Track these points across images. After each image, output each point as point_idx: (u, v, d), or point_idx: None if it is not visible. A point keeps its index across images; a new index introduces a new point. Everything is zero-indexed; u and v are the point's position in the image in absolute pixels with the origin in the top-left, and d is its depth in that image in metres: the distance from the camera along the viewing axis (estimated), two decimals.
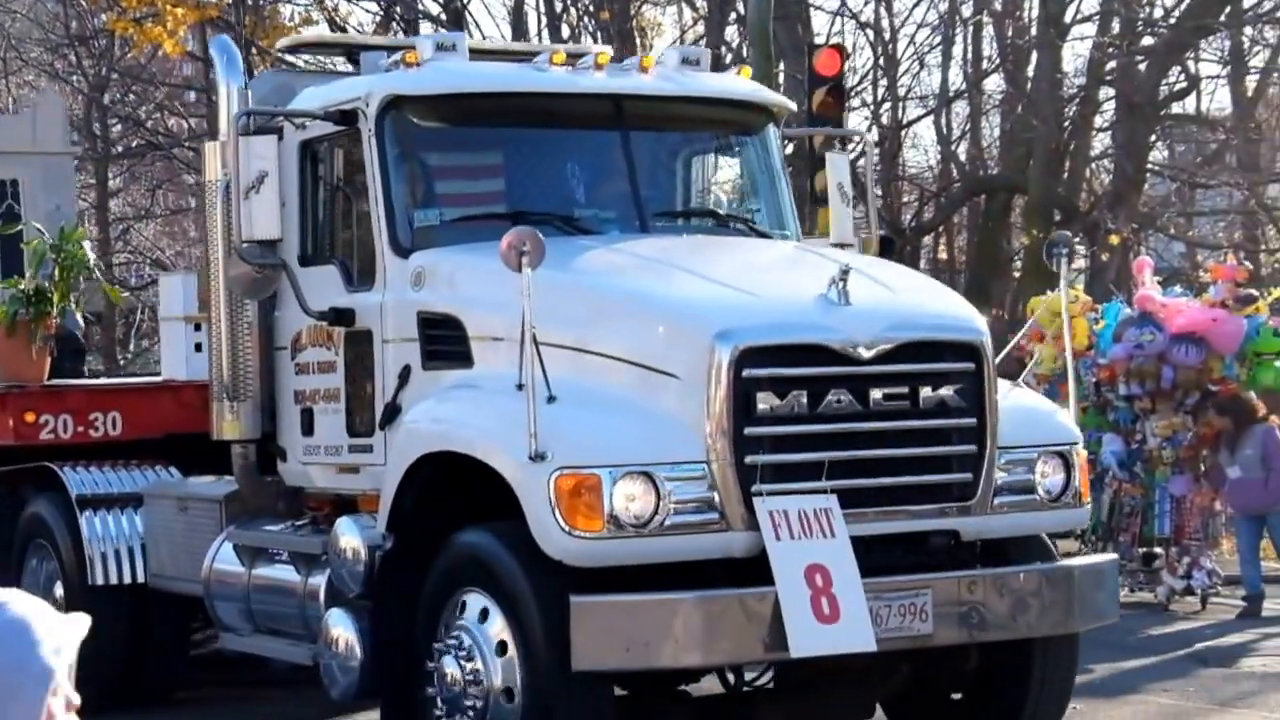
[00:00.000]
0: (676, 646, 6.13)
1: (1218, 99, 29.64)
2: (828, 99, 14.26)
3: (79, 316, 11.56)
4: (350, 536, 7.04)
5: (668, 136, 8.24)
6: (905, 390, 6.53)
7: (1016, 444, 6.76)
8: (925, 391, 6.53)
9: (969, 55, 27.50)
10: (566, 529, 6.05)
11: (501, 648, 6.27)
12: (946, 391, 6.55)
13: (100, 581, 9.35)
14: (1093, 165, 26.44)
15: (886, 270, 7.33)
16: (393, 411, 7.26)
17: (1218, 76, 27.59)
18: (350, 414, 7.69)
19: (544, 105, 8.01)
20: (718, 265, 7.27)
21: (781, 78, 19.22)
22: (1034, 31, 24.26)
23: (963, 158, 28.09)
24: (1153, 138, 25.81)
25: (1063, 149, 23.36)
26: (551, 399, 6.08)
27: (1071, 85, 25.68)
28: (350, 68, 8.64)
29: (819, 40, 20.93)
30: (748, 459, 6.12)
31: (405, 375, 7.23)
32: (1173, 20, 23.95)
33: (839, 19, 26.12)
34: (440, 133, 7.76)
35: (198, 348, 10.08)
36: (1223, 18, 23.41)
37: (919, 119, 28.69)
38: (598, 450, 6.19)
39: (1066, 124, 23.88)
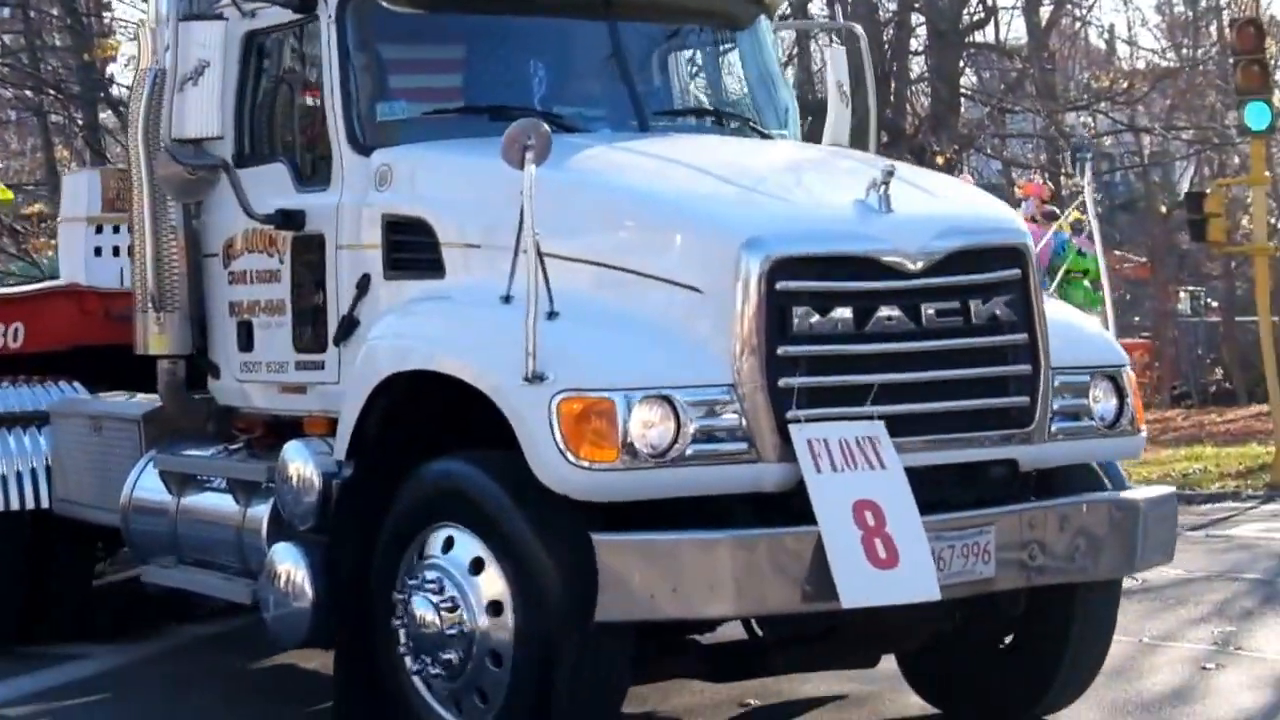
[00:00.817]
0: (710, 594, 5.27)
1: (1016, 29, 30.62)
2: None
3: None
4: (301, 463, 6.16)
5: (656, 29, 7.24)
6: (956, 305, 5.68)
7: (1065, 365, 5.98)
8: (976, 305, 5.70)
9: None
10: (573, 459, 5.14)
11: (493, 603, 5.36)
12: (997, 305, 5.74)
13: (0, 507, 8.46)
14: (912, 89, 25.94)
15: (921, 173, 6.69)
16: (349, 325, 6.32)
17: (1014, 7, 28.51)
18: (297, 328, 6.71)
19: None
20: (741, 167, 6.35)
21: None
22: None
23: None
24: (961, 64, 25.66)
25: (885, 72, 22.71)
26: (553, 314, 5.25)
27: (887, 10, 25.24)
28: None
29: None
30: (781, 382, 5.32)
31: (364, 285, 6.29)
32: None
33: None
34: (408, 20, 6.63)
35: (97, 251, 9.05)
36: None
37: None
38: (608, 371, 5.28)
39: (886, 48, 23.46)
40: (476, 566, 5.57)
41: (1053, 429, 5.95)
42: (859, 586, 5.17)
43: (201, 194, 6.82)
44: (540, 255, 5.20)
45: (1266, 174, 19.00)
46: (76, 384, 8.73)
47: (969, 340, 5.73)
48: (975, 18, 25.44)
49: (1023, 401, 5.83)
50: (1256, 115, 16.52)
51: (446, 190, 6.29)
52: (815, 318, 5.41)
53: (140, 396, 8.24)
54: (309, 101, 6.83)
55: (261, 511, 6.69)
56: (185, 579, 7.29)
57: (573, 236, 5.57)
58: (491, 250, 5.85)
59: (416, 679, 5.76)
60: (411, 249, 6.26)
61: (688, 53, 7.69)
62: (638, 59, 7.20)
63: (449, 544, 5.70)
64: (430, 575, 5.68)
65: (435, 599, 5.62)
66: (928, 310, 5.61)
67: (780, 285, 5.38)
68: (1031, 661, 6.60)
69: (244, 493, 6.94)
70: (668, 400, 5.25)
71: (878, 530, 5.20)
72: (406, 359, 5.92)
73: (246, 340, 7.11)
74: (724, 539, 5.26)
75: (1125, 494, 6.27)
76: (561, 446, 5.16)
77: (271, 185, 6.80)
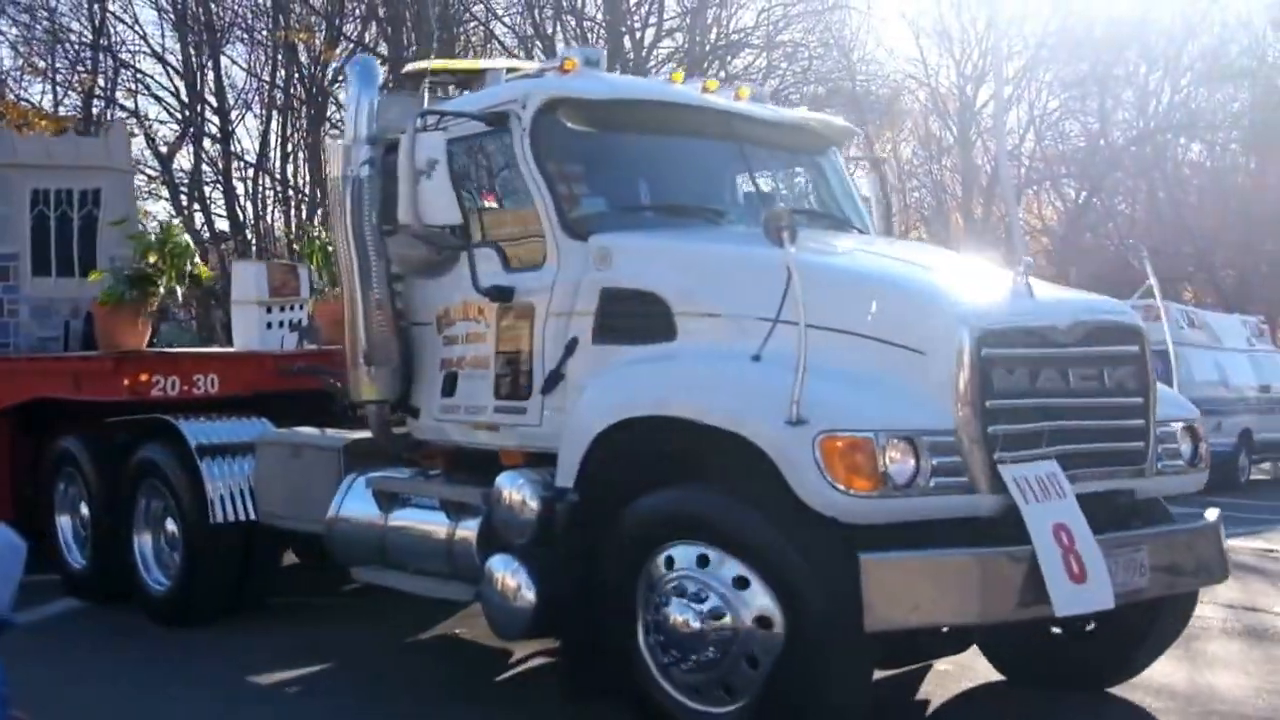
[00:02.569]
0: (958, 604, 5.74)
1: None
2: None
3: (179, 295, 11.36)
4: (518, 489, 6.84)
5: (764, 151, 8.11)
6: (1095, 370, 6.41)
7: (1163, 418, 6.77)
8: (1107, 370, 6.45)
9: None
10: (840, 487, 5.60)
11: (760, 617, 5.96)
12: (1122, 371, 6.50)
13: (220, 520, 9.15)
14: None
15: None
16: (555, 379, 6.97)
17: None
18: (499, 379, 7.35)
19: (678, 116, 7.67)
20: (923, 258, 7.06)
21: None
22: None
23: None
24: None
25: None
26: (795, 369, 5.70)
27: None
28: (458, 92, 8.66)
29: None
30: (990, 429, 5.88)
31: (572, 347, 6.89)
32: None
33: None
34: (590, 135, 7.45)
35: (268, 325, 10.75)
36: None
37: None
38: (862, 416, 5.75)
39: None
40: (741, 583, 5.87)
41: (1157, 466, 6.64)
42: (1066, 597, 5.66)
43: (430, 272, 7.60)
44: (799, 323, 5.74)
45: None
46: (264, 419, 9.84)
47: (1105, 400, 6.39)
48: None
49: (1139, 445, 6.50)
50: None
51: (678, 268, 6.80)
52: (1009, 378, 6.03)
53: (330, 431, 9.10)
54: (508, 200, 7.52)
55: (472, 527, 7.21)
56: (400, 581, 7.76)
57: (814, 307, 5.96)
58: (731, 319, 6.38)
59: (650, 663, 6.26)
60: (633, 317, 6.76)
61: (785, 171, 8.44)
62: (759, 172, 8.00)
63: (703, 560, 6.02)
64: (691, 586, 6.03)
65: (697, 607, 5.97)
66: (1073, 373, 6.27)
67: (985, 352, 5.91)
68: (1111, 642, 7.09)
69: (454, 511, 7.37)
70: (910, 441, 5.73)
71: (1071, 548, 5.75)
72: (648, 405, 6.46)
73: (449, 388, 7.62)
74: (975, 555, 5.71)
75: (1209, 517, 6.93)
76: (827, 477, 5.58)
77: (479, 266, 7.41)
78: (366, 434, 8.44)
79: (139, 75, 28.60)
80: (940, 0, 38.74)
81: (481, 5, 27.16)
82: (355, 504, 8.14)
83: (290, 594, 10.39)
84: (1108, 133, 34.25)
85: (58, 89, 27.34)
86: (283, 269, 11.08)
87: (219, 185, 29.17)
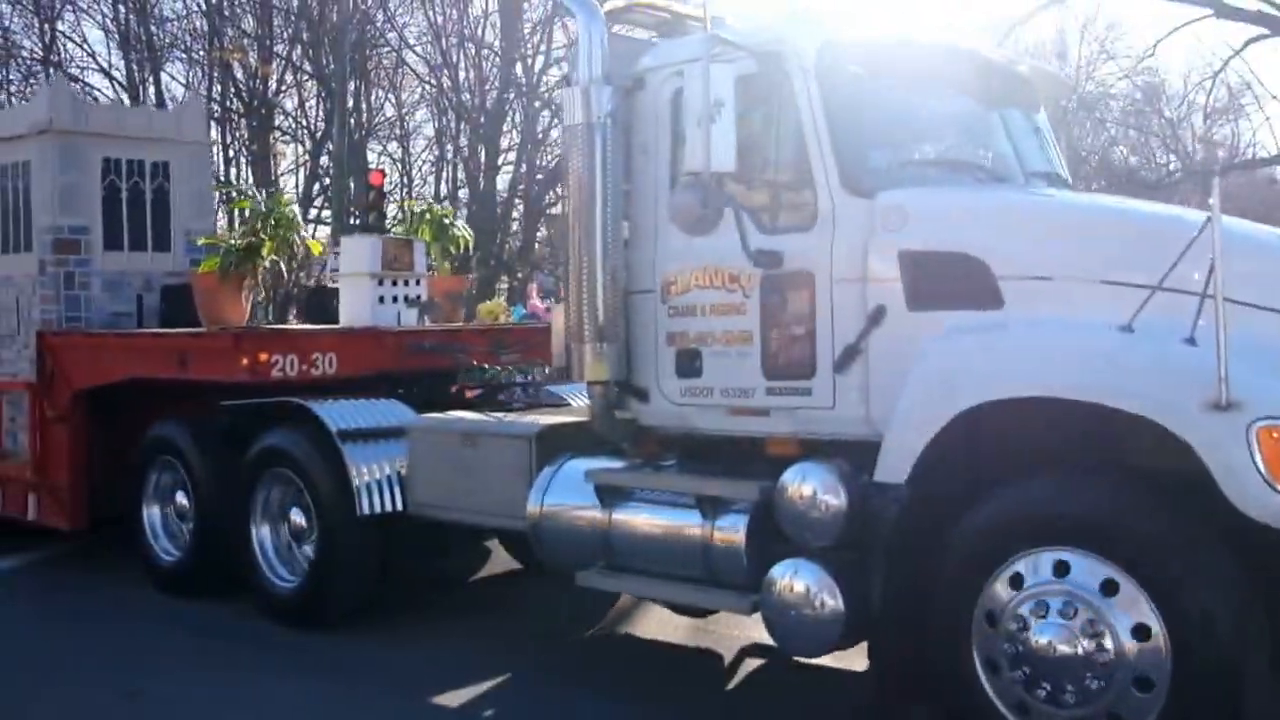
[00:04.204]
0: None
1: None
2: None
3: (283, 268, 10.33)
4: (816, 483, 5.76)
5: (1015, 108, 7.17)
6: None
7: None
8: None
9: None
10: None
11: (1139, 627, 4.90)
12: None
13: (367, 511, 8.02)
14: None
15: None
16: (851, 354, 5.90)
17: None
18: (770, 356, 6.24)
19: (958, 67, 6.73)
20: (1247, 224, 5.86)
21: None
22: None
23: None
24: None
25: None
26: (1191, 341, 4.92)
27: None
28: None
29: None
30: None
31: (878, 316, 5.83)
32: None
33: None
34: (874, 82, 6.42)
35: (380, 300, 9.77)
36: None
37: None
38: None
39: None
40: (1109, 588, 4.93)
41: None
42: None
43: (704, 229, 6.33)
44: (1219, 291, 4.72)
45: None
46: (396, 401, 8.77)
47: None
48: None
49: None
50: None
51: (995, 229, 5.80)
52: None
53: (505, 416, 8.12)
54: (776, 152, 6.36)
55: (737, 526, 6.17)
56: (640, 586, 6.73)
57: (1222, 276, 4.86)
58: (1067, 282, 5.43)
59: (987, 684, 5.29)
60: (950, 281, 5.71)
61: (1027, 126, 7.35)
62: (1015, 131, 7.07)
63: (1061, 568, 5.05)
64: (1055, 601, 5.03)
65: (1068, 623, 5.01)
66: None
67: None
68: None
69: (710, 507, 6.30)
70: None
71: None
72: (1013, 382, 5.35)
73: (690, 368, 6.56)
74: None
75: None
76: (1266, 476, 4.56)
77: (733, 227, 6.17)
78: (551, 419, 7.65)
79: (87, 89, 29.82)
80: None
81: (394, 33, 29.10)
82: (565, 498, 7.09)
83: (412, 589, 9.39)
84: None
85: (11, 100, 28.96)
86: (396, 243, 10.13)
87: None
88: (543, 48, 29.35)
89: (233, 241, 9.63)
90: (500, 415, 8.03)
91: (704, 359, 6.46)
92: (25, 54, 29.92)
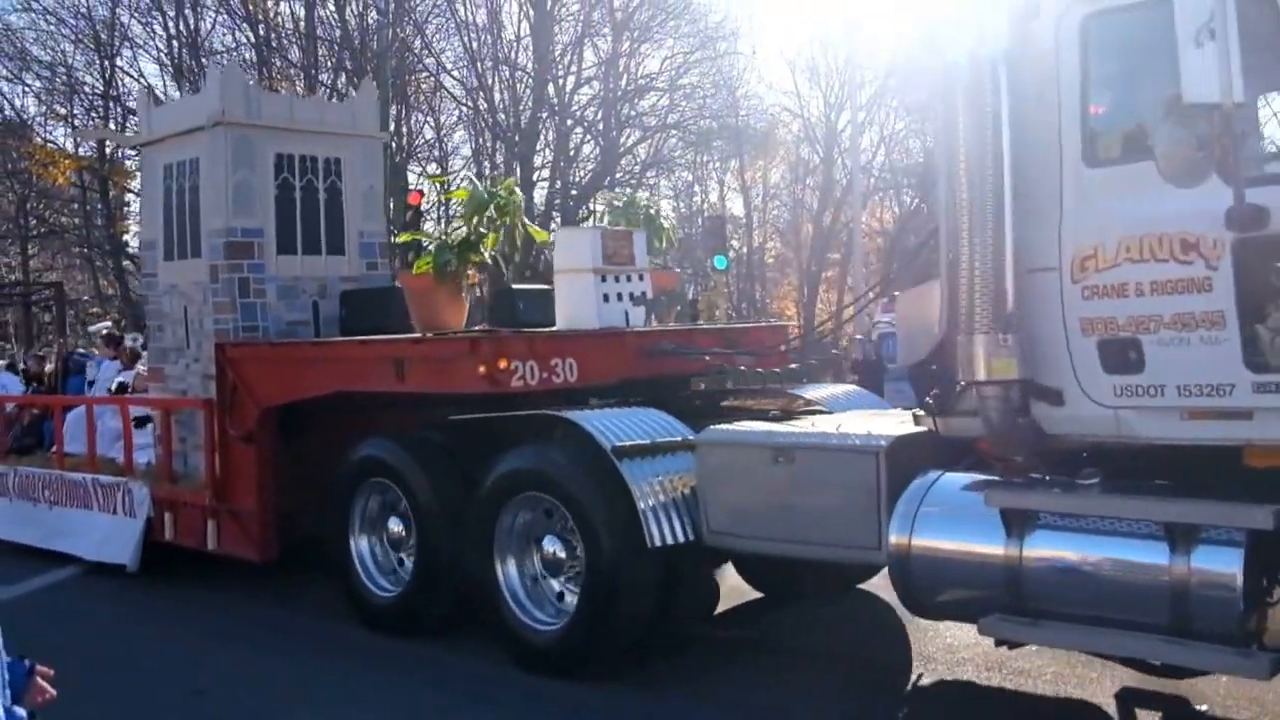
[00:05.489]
0: None
1: None
2: None
3: (501, 263, 8.98)
4: None
5: None
6: None
7: None
8: None
9: None
10: None
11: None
12: None
13: (659, 543, 6.72)
14: None
15: None
16: None
17: None
18: (1256, 344, 5.00)
19: None
20: None
21: None
22: None
23: None
24: None
25: None
26: None
27: None
28: None
29: None
30: None
31: None
32: None
33: None
34: None
35: (605, 298, 8.51)
36: None
37: None
38: None
39: None
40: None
41: None
42: None
43: (1195, 180, 4.99)
44: None
45: None
46: (659, 412, 7.55)
47: None
48: None
49: None
50: None
51: None
52: None
53: (819, 426, 6.92)
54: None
55: (1229, 561, 4.98)
56: (1082, 638, 5.46)
57: None
58: None
59: None
60: None
61: None
62: None
63: None
64: None
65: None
66: None
67: None
68: None
69: (1182, 538, 5.07)
70: None
71: None
72: None
73: (1121, 362, 5.33)
74: None
75: None
76: None
77: (1135, 184, 5.16)
78: (885, 428, 6.43)
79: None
80: (812, 41, 45.06)
81: (432, 59, 30.15)
82: (947, 525, 5.84)
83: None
84: None
85: (77, 132, 30.83)
86: (616, 235, 8.75)
87: None
88: (573, 68, 30.15)
89: (446, 235, 8.55)
90: (807, 425, 6.97)
91: (1145, 349, 5.19)
92: (87, 89, 31.48)
